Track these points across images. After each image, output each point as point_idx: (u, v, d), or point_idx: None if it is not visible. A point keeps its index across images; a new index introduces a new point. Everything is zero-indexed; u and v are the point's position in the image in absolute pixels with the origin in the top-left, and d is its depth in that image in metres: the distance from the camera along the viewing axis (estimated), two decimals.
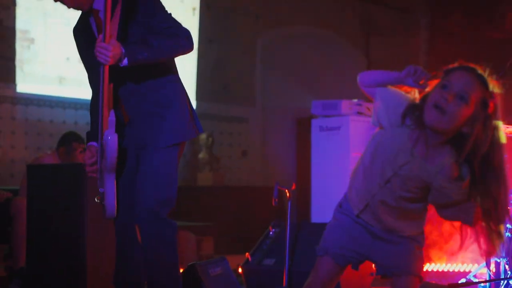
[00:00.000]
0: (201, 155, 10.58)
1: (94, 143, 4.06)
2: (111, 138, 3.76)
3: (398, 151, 3.02)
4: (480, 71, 2.94)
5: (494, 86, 2.94)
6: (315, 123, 7.97)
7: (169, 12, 4.00)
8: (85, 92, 9.35)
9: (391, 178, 3.03)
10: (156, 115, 3.98)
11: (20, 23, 8.93)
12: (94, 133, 4.03)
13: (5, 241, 6.84)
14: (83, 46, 4.07)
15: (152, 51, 3.79)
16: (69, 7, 3.93)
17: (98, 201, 3.99)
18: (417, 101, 3.04)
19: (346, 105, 7.82)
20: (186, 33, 3.93)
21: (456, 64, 2.98)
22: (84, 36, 4.03)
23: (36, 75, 9.15)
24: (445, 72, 2.97)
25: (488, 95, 2.92)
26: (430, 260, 6.70)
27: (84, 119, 9.25)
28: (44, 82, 9.20)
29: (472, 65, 2.95)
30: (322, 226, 6.36)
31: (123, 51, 3.68)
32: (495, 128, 2.93)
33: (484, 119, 2.90)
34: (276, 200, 5.57)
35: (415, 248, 3.18)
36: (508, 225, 4.69)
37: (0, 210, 6.83)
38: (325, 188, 7.84)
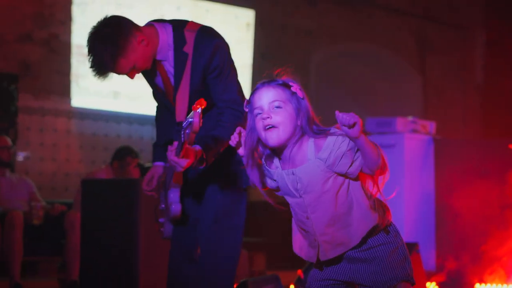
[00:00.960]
0: None
1: (159, 164, 4.02)
2: (175, 207, 3.77)
3: (286, 185, 3.02)
4: (273, 76, 3.02)
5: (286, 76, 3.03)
6: None
7: (231, 72, 3.83)
8: (139, 107, 9.49)
9: (304, 200, 3.00)
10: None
11: (76, 38, 9.02)
12: (161, 150, 3.95)
13: (59, 254, 6.91)
14: (149, 80, 4.03)
15: (223, 145, 3.68)
16: (132, 78, 3.82)
17: (157, 219, 4.00)
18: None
19: (401, 123, 7.78)
20: (239, 115, 3.78)
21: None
22: (150, 79, 3.98)
23: (91, 90, 9.23)
24: (248, 104, 3.02)
25: (286, 86, 2.99)
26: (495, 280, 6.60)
27: (138, 133, 9.31)
28: (99, 96, 9.28)
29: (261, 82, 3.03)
30: None
31: (204, 157, 3.55)
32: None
33: (297, 100, 3.00)
34: None
35: (391, 252, 3.00)
36: None
37: (54, 223, 6.91)
38: None
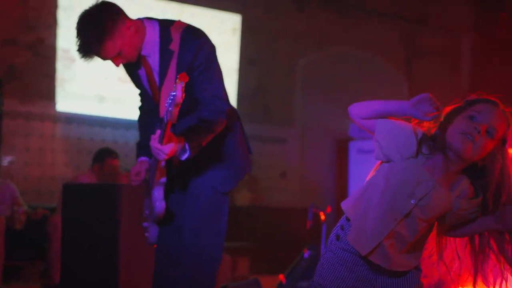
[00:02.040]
0: None
1: (144, 159, 4.03)
2: (159, 205, 3.77)
3: (415, 182, 2.93)
4: (501, 106, 2.96)
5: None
6: (353, 145, 7.96)
7: (216, 74, 3.90)
8: (124, 111, 9.48)
9: (412, 211, 2.93)
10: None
11: (62, 42, 9.02)
12: (145, 147, 3.93)
13: (41, 258, 6.90)
14: (132, 75, 4.07)
15: (206, 138, 3.72)
16: (117, 66, 3.87)
17: (141, 224, 4.01)
18: (424, 130, 2.99)
19: None
20: (221, 109, 3.83)
21: (476, 96, 2.98)
22: (133, 73, 4.03)
23: (76, 94, 9.23)
24: (469, 103, 2.95)
25: (509, 132, 2.95)
26: None
27: (123, 137, 9.29)
28: (84, 100, 9.28)
29: (494, 99, 2.95)
30: None
31: (186, 146, 3.59)
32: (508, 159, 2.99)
33: (501, 155, 2.94)
34: (311, 222, 5.56)
35: (419, 277, 3.07)
36: None
37: (37, 227, 6.91)
38: None
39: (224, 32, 10.65)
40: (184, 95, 3.17)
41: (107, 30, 3.70)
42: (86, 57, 3.76)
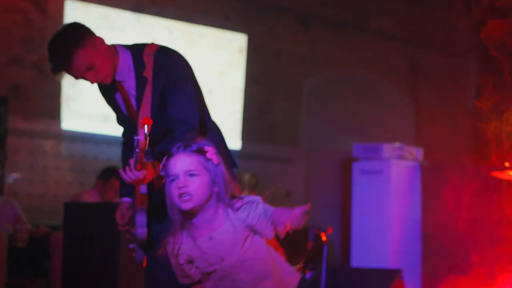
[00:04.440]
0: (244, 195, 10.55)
1: (127, 199, 4.05)
2: (141, 231, 3.79)
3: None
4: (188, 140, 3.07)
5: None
6: (356, 166, 7.95)
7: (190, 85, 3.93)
8: None
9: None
10: None
11: None
12: (127, 187, 3.96)
13: (43, 276, 6.90)
14: (107, 98, 4.09)
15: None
16: (92, 82, 3.88)
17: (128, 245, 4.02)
18: None
19: (387, 149, 7.78)
20: (190, 125, 3.82)
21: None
22: (109, 95, 4.05)
23: (81, 112, 9.24)
24: (163, 169, 3.08)
25: (202, 152, 3.05)
26: None
27: None
28: (89, 119, 9.30)
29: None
30: (360, 270, 6.32)
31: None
32: None
33: (213, 166, 3.04)
34: (312, 243, 5.53)
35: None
36: None
37: (39, 245, 6.91)
38: (365, 232, 7.80)
39: (231, 52, 10.67)
40: (148, 139, 3.18)
41: (76, 41, 3.74)
42: (56, 70, 3.79)
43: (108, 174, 7.38)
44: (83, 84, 8.86)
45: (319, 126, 11.58)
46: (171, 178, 2.99)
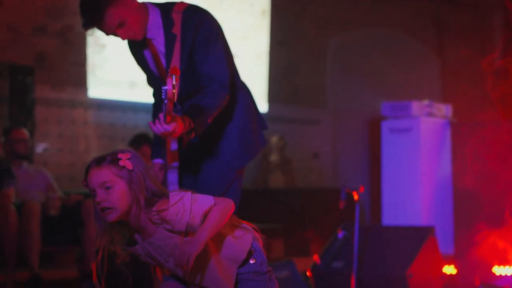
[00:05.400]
0: (272, 158, 10.57)
1: (158, 161, 4.06)
2: (173, 188, 3.78)
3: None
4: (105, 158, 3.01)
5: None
6: (385, 125, 7.91)
7: (220, 45, 3.92)
8: None
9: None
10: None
11: None
12: (158, 148, 4.02)
13: (76, 243, 6.93)
14: (137, 57, 4.10)
15: (210, 114, 3.74)
16: (123, 39, 3.91)
17: None
18: None
19: (416, 106, 7.74)
20: (220, 83, 3.84)
21: None
22: (138, 54, 4.07)
23: (107, 80, 9.25)
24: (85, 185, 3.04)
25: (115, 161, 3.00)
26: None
27: None
28: (115, 86, 9.30)
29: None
30: (392, 228, 6.30)
31: (192, 125, 3.60)
32: None
33: (128, 173, 2.99)
34: (344, 202, 5.52)
35: None
36: None
37: (71, 213, 6.93)
38: (395, 190, 7.78)
39: (254, 15, 10.61)
40: (176, 89, 3.20)
41: None
42: (87, 27, 3.83)
43: (139, 140, 7.37)
44: (108, 51, 8.93)
45: (345, 86, 11.53)
46: (92, 193, 2.99)
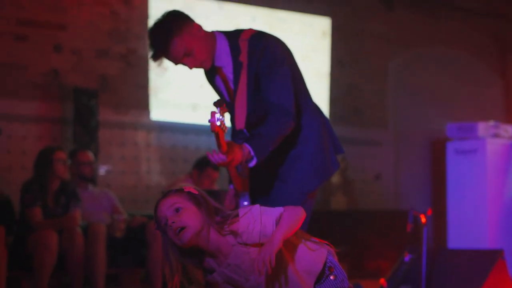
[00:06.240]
0: (334, 179, 10.52)
1: (231, 186, 4.08)
2: None
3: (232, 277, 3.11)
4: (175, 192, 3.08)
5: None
6: (450, 146, 7.81)
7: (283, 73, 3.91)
8: None
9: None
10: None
11: None
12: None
13: (140, 265, 6.96)
14: (213, 85, 4.14)
15: (272, 142, 3.73)
16: (190, 68, 3.95)
17: None
18: None
19: (482, 128, 7.64)
20: (283, 111, 3.82)
21: None
22: (212, 82, 4.11)
23: (169, 102, 9.29)
24: (156, 227, 3.10)
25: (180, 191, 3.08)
26: None
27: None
28: (177, 108, 9.34)
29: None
30: (459, 252, 6.21)
31: (252, 153, 3.63)
32: None
33: (194, 197, 3.08)
34: (411, 225, 5.46)
35: None
36: None
37: (136, 234, 6.97)
38: (461, 213, 7.68)
39: (315, 36, 10.61)
40: (222, 122, 3.21)
41: (173, 29, 3.83)
42: (155, 58, 3.91)
43: (204, 163, 7.40)
44: (170, 74, 8.98)
45: (406, 106, 11.45)
46: (163, 224, 3.01)
